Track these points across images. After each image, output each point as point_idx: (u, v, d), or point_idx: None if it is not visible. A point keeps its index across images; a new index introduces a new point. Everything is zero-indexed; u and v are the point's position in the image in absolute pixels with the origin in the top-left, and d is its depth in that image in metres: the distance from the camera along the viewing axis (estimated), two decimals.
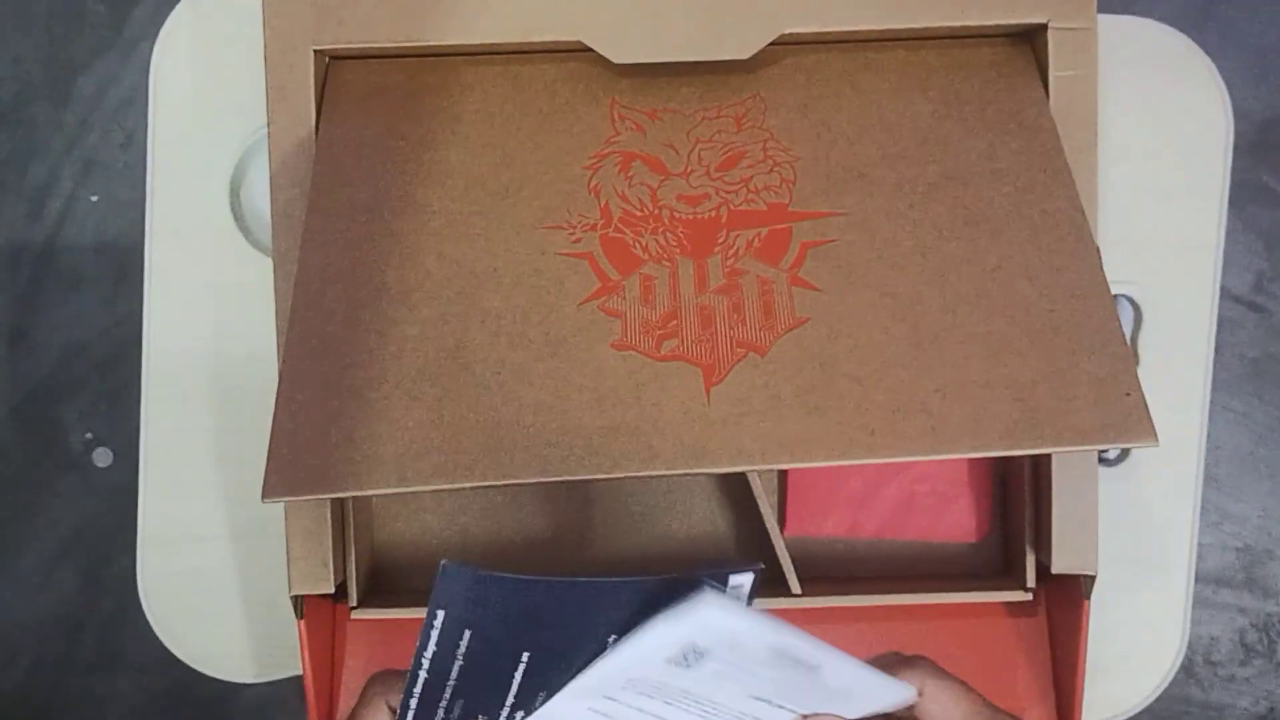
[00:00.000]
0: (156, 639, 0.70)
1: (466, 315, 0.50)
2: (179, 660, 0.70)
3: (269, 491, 0.46)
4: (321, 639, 0.62)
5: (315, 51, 0.57)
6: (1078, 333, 0.48)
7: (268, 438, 0.70)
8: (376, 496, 0.64)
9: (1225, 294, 0.70)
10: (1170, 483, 0.68)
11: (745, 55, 0.56)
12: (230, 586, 0.70)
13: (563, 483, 0.49)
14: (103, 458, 0.71)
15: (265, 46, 0.57)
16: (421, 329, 0.50)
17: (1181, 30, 0.69)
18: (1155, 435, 0.46)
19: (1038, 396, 0.47)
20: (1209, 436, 0.69)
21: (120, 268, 0.70)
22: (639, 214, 0.52)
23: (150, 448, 0.69)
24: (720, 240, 0.52)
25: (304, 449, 0.47)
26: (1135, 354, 0.68)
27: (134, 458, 0.70)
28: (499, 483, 0.46)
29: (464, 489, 0.47)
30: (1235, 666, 0.72)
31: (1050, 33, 0.56)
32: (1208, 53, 0.69)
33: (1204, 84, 0.69)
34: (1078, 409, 0.46)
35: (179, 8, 0.69)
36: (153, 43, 0.69)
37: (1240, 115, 0.70)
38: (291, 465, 0.47)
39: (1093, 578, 0.58)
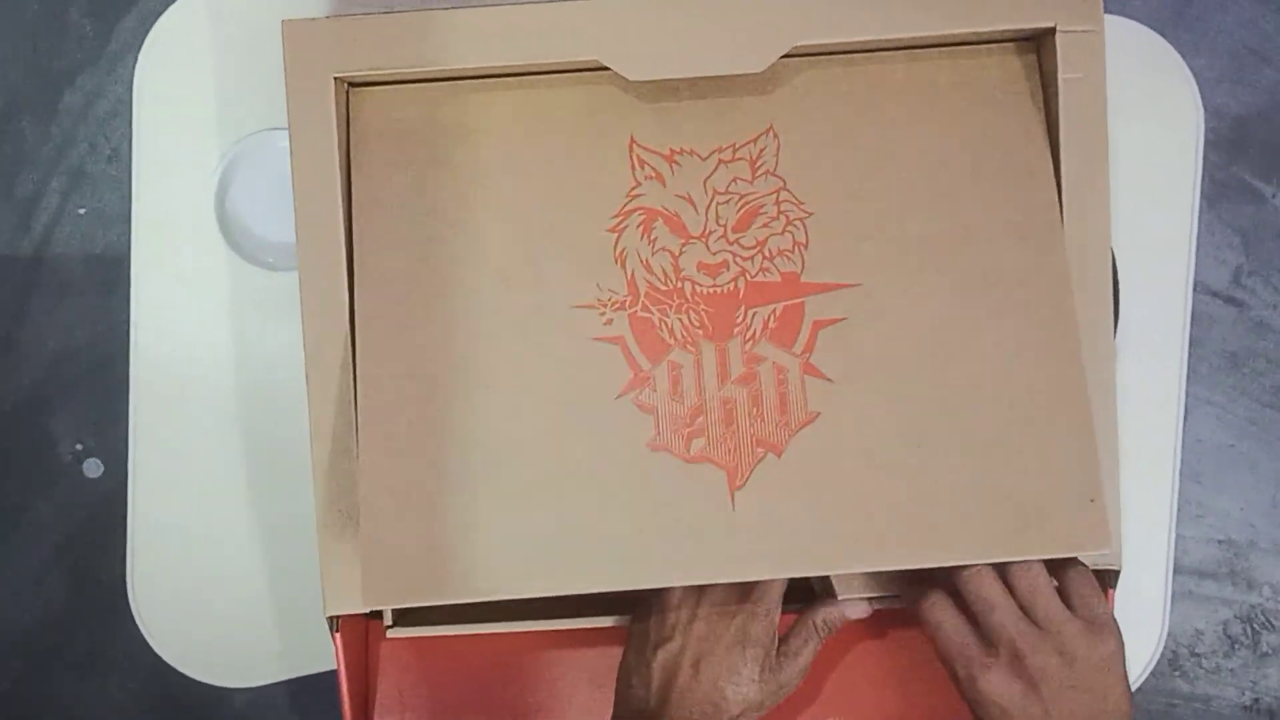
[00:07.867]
0: (143, 647, 0.70)
1: (518, 410, 0.56)
2: (165, 667, 0.70)
3: (370, 601, 0.54)
4: (357, 658, 0.62)
5: (335, 79, 0.57)
6: (1055, 431, 0.55)
7: (256, 441, 0.71)
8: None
9: (1204, 289, 0.71)
10: (1147, 477, 0.69)
11: (759, 69, 0.56)
12: (219, 592, 0.70)
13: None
14: (93, 469, 0.71)
15: (286, 75, 0.57)
16: (488, 428, 0.55)
17: (1155, 29, 0.69)
18: (1109, 542, 0.54)
19: (1022, 501, 0.54)
20: (1190, 431, 0.70)
21: (107, 278, 0.71)
22: (664, 288, 0.57)
23: (139, 454, 0.70)
24: (739, 321, 0.57)
25: (393, 558, 0.54)
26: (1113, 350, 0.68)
27: (122, 465, 0.70)
28: (563, 592, 0.54)
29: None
30: (1220, 658, 0.72)
31: (1058, 36, 0.56)
32: (1181, 51, 0.69)
33: (1176, 82, 0.69)
34: (1053, 517, 0.54)
35: (161, 20, 0.70)
36: (138, 56, 0.70)
37: (1215, 112, 0.70)
38: (386, 573, 0.54)
39: (1117, 572, 0.58)
